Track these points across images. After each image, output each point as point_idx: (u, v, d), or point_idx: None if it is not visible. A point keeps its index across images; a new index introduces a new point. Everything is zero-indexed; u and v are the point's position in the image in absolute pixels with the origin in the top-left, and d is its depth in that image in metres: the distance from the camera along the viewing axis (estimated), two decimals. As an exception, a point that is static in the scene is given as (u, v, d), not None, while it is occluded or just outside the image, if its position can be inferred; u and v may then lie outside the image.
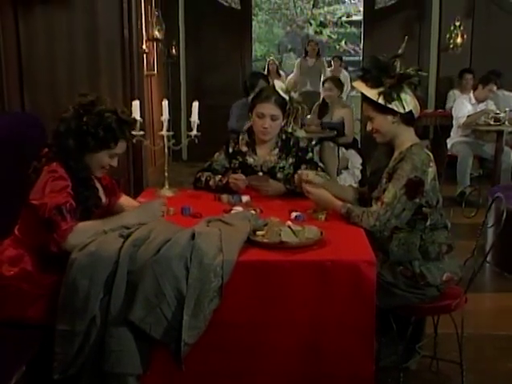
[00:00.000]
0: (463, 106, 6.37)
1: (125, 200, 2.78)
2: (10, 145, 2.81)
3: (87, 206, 2.43)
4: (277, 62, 10.42)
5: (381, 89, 2.54)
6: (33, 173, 2.36)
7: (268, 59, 10.58)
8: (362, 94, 2.63)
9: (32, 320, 2.28)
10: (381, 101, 2.54)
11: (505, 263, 4.32)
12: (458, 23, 7.80)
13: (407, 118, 2.59)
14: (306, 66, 9.25)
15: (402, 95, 2.54)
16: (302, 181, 2.84)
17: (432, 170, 2.54)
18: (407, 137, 2.61)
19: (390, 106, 2.54)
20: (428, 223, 2.56)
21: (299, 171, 2.97)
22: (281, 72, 10.18)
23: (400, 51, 2.66)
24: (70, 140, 2.37)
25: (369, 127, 2.68)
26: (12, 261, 2.36)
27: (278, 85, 3.25)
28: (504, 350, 3.23)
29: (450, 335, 2.73)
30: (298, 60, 9.61)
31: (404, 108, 2.54)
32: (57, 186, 2.28)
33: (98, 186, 2.57)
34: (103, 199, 2.57)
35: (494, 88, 6.34)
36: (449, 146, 6.55)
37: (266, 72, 9.44)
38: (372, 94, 2.56)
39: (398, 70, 2.58)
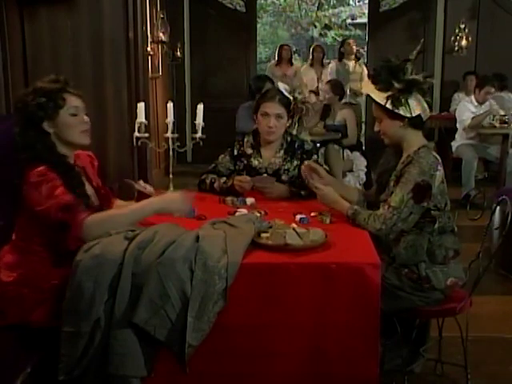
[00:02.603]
0: (466, 108, 6.36)
1: (120, 203, 2.77)
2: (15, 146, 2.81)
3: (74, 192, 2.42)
4: (292, 50, 8.62)
5: (389, 93, 2.53)
6: (20, 181, 2.34)
7: (281, 44, 8.88)
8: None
9: (36, 324, 2.29)
10: (388, 105, 2.52)
11: (510, 266, 4.31)
12: (462, 26, 7.79)
13: (415, 122, 2.58)
14: (344, 71, 7.71)
15: (410, 101, 2.53)
16: (308, 168, 2.84)
17: (440, 173, 2.53)
18: (415, 140, 2.60)
19: (397, 111, 2.53)
20: (436, 226, 2.56)
21: (306, 162, 2.96)
22: (294, 62, 8.47)
23: (413, 56, 2.65)
24: (28, 131, 2.39)
25: (376, 128, 2.68)
26: (9, 266, 2.37)
27: (282, 86, 3.26)
28: (509, 353, 3.23)
29: (454, 338, 2.72)
30: (332, 64, 7.92)
31: (411, 113, 2.53)
32: (52, 188, 2.27)
33: (88, 186, 2.55)
34: (92, 198, 2.53)
35: (492, 90, 6.33)
36: (454, 148, 6.54)
37: (276, 58, 8.23)
38: (380, 98, 2.55)
39: (409, 73, 2.57)
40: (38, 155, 2.36)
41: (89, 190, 2.53)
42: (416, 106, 2.54)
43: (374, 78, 2.60)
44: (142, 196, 2.70)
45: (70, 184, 2.36)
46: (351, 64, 7.76)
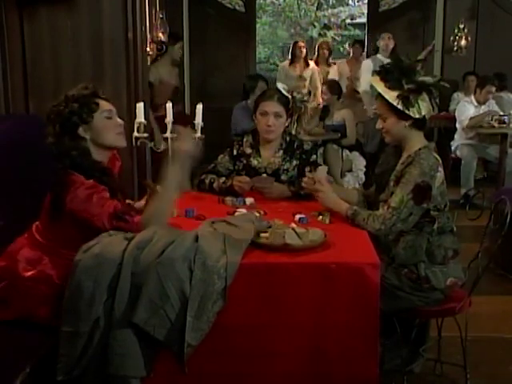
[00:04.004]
0: (466, 108, 6.38)
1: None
2: (15, 146, 2.82)
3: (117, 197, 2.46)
4: (306, 47, 7.66)
5: (400, 92, 2.52)
6: (59, 191, 2.35)
7: (295, 41, 8.11)
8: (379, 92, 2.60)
9: (42, 320, 2.30)
10: (399, 106, 2.51)
11: (509, 266, 4.31)
12: (462, 25, 7.80)
13: (420, 123, 2.57)
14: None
15: (420, 102, 2.52)
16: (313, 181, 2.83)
17: (440, 174, 2.53)
18: (417, 140, 2.60)
19: (407, 112, 2.52)
20: (435, 226, 2.56)
21: (308, 174, 2.95)
22: (310, 62, 7.57)
23: (422, 56, 2.66)
24: (63, 139, 2.40)
25: (379, 125, 2.67)
26: (29, 261, 2.38)
27: (281, 86, 3.28)
28: (508, 353, 3.23)
29: (454, 338, 2.72)
30: (367, 62, 6.96)
31: (420, 114, 2.52)
32: (103, 199, 2.31)
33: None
34: (119, 197, 2.55)
35: (493, 89, 6.36)
36: (453, 148, 6.56)
37: (289, 57, 7.58)
38: (390, 96, 2.53)
39: (420, 74, 2.56)
40: (74, 163, 2.37)
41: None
42: (424, 108, 2.53)
43: (385, 76, 2.58)
44: None
45: (109, 189, 2.39)
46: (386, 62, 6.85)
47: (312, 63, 7.60)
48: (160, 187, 2.44)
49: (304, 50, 7.47)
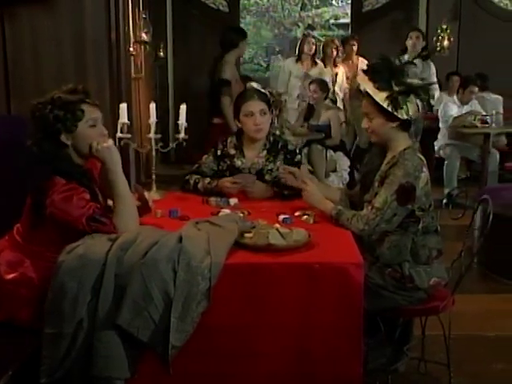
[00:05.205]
0: (449, 108, 6.41)
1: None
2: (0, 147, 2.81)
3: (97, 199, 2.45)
4: (314, 42, 6.93)
5: (388, 93, 2.51)
6: (39, 194, 2.33)
7: (304, 34, 7.47)
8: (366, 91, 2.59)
9: (24, 323, 2.28)
10: (389, 107, 2.51)
11: (491, 265, 4.35)
12: (444, 26, 7.85)
13: (406, 125, 2.58)
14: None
15: (408, 103, 2.51)
16: (287, 172, 2.84)
17: (425, 174, 2.53)
18: (402, 141, 2.60)
19: (395, 113, 2.52)
20: (420, 226, 2.56)
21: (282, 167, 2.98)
22: (317, 61, 6.89)
23: (411, 57, 2.67)
24: (44, 144, 2.37)
25: (365, 125, 2.66)
26: (10, 264, 2.36)
27: (255, 85, 3.28)
28: (491, 351, 3.25)
29: (437, 337, 2.73)
30: None
31: (407, 116, 2.52)
32: (82, 200, 2.29)
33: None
34: (100, 198, 2.54)
35: (476, 89, 6.40)
36: (436, 148, 6.59)
37: (296, 53, 6.91)
38: (379, 97, 2.52)
39: (407, 76, 2.56)
40: (55, 168, 2.34)
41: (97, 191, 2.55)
42: (412, 110, 2.53)
43: (374, 76, 2.56)
44: (145, 202, 2.68)
45: (90, 192, 2.37)
46: (417, 62, 6.40)
47: (320, 62, 6.95)
48: (113, 191, 2.43)
49: (314, 47, 6.78)
